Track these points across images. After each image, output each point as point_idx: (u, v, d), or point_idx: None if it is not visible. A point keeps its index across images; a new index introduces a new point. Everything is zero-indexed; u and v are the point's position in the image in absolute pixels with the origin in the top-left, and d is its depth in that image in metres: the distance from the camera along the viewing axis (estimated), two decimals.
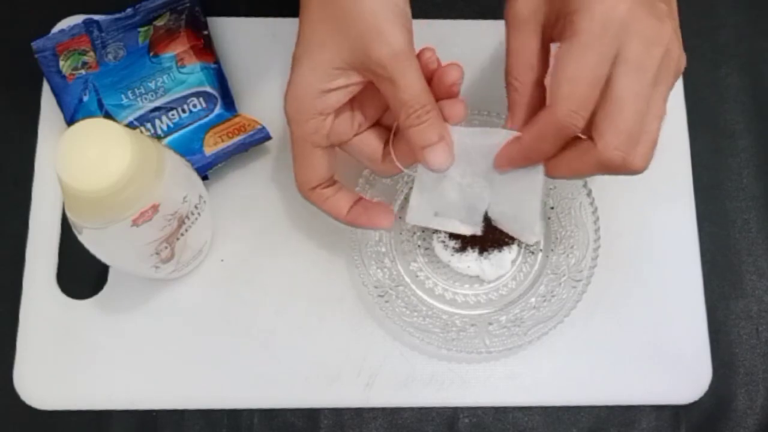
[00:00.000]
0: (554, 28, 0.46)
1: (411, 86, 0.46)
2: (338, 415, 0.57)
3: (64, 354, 0.57)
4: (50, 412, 0.56)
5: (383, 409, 0.57)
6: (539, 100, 0.46)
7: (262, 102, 0.61)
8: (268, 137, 0.59)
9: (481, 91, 0.62)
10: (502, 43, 0.64)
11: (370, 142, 0.51)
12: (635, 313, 0.59)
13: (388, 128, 0.51)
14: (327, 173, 0.51)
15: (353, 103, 0.50)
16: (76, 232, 0.48)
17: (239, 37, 0.63)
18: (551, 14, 0.46)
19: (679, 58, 0.45)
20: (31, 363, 0.57)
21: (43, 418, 0.56)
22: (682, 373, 0.58)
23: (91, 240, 0.48)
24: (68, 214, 0.47)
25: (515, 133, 0.47)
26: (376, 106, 0.51)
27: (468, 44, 0.64)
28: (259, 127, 0.59)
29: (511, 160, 0.48)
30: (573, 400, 0.58)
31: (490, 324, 0.57)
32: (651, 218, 0.60)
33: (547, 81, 0.45)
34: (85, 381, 0.56)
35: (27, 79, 0.61)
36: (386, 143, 0.51)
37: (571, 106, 0.43)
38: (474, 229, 0.52)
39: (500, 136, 0.48)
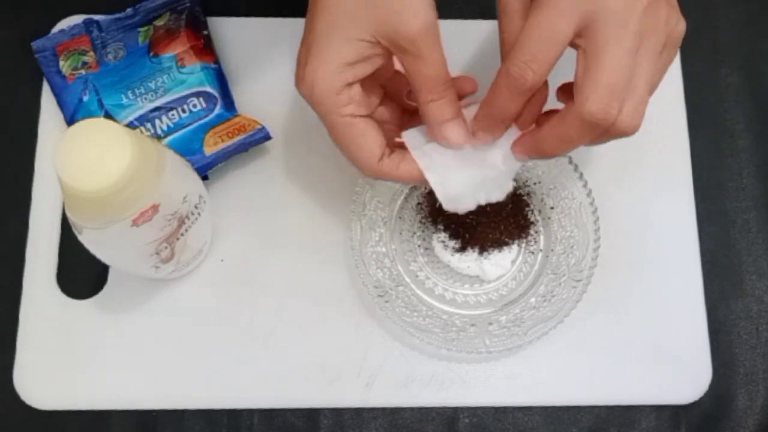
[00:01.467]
0: None
1: (436, 62, 0.46)
2: (338, 415, 0.57)
3: (64, 354, 0.57)
4: (50, 412, 0.56)
5: (383, 409, 0.57)
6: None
7: (262, 102, 0.61)
8: (268, 137, 0.59)
9: (480, 91, 0.62)
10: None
11: (390, 107, 0.51)
12: (635, 313, 0.59)
13: (382, 122, 0.51)
14: (383, 139, 0.49)
15: (365, 84, 0.49)
16: (76, 232, 0.48)
17: (239, 37, 0.63)
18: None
19: (670, 19, 0.45)
20: (31, 363, 0.57)
21: (43, 418, 0.56)
22: (682, 373, 0.58)
23: (91, 240, 0.48)
24: (68, 214, 0.47)
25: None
26: (377, 93, 0.51)
27: (468, 44, 0.64)
28: (259, 127, 0.59)
29: (479, 122, 0.48)
30: (573, 400, 0.58)
31: (490, 324, 0.57)
32: (651, 218, 0.60)
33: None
34: (85, 381, 0.56)
35: (27, 79, 0.61)
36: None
37: (521, 57, 0.43)
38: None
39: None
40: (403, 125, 0.51)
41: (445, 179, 0.49)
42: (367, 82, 0.49)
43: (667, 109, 0.63)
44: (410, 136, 0.49)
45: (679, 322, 0.59)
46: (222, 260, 0.59)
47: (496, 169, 0.49)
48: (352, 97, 0.47)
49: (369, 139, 0.48)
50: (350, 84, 0.47)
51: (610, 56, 0.43)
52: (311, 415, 0.57)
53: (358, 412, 0.57)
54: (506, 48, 0.47)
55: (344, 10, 0.46)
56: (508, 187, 0.50)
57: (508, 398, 0.57)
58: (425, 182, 0.49)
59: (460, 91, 0.49)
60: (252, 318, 0.58)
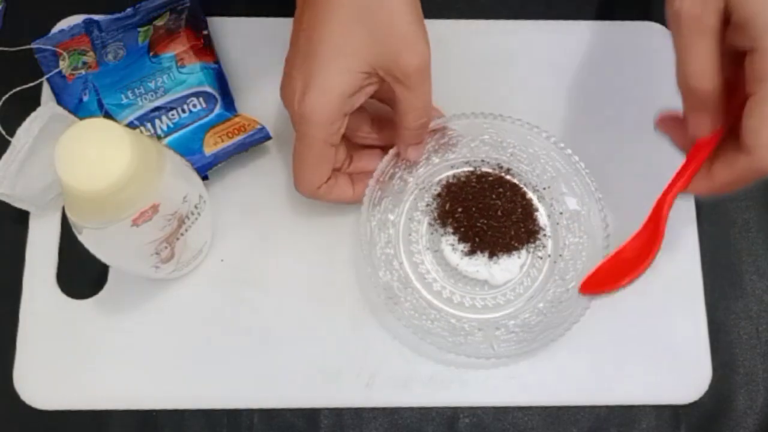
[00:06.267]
0: (724, 31, 0.45)
1: (425, 94, 0.51)
2: (338, 415, 0.57)
3: (64, 354, 0.57)
4: (50, 412, 0.56)
5: (383, 409, 0.57)
6: (723, 103, 0.47)
7: (262, 102, 0.61)
8: (268, 137, 0.59)
9: (481, 91, 0.62)
10: (501, 43, 0.64)
11: (361, 115, 0.56)
12: (635, 313, 0.59)
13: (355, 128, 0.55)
14: (331, 169, 0.54)
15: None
16: (76, 232, 0.48)
17: (239, 37, 0.63)
18: (720, 14, 0.45)
19: None
20: (31, 363, 0.57)
21: (43, 418, 0.56)
22: (682, 373, 0.58)
23: (91, 240, 0.48)
24: (68, 214, 0.47)
25: None
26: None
27: (468, 44, 0.64)
28: (259, 127, 0.59)
29: (698, 192, 0.50)
30: (573, 400, 0.57)
31: (498, 329, 0.56)
32: None
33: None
34: (85, 381, 0.56)
35: (27, 79, 0.61)
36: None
37: None
38: None
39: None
40: (372, 132, 0.56)
41: None
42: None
43: (666, 110, 0.63)
44: None
45: (679, 322, 0.59)
46: (222, 260, 0.59)
47: None
48: (339, 128, 0.51)
49: (325, 167, 0.53)
50: (347, 114, 0.51)
51: None
52: (311, 415, 0.57)
53: (358, 412, 0.57)
54: (694, 64, 0.46)
55: (348, 42, 0.49)
56: None
57: (508, 398, 0.57)
58: (354, 201, 0.56)
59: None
60: (252, 318, 0.58)
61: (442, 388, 0.57)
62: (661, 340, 0.58)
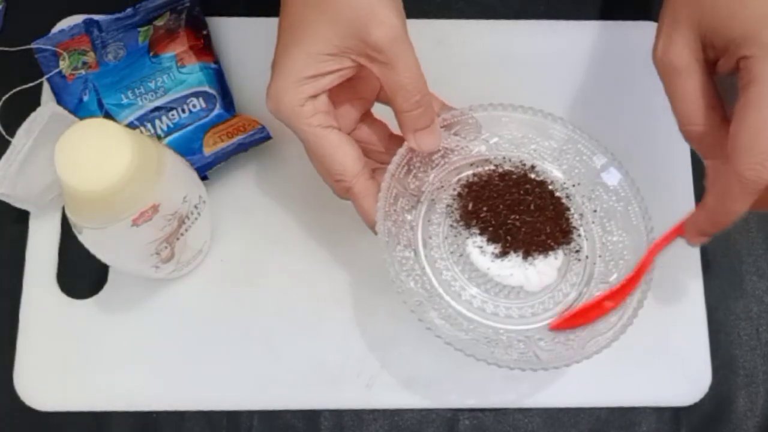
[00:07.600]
0: (716, 65, 0.45)
1: (409, 69, 0.46)
2: (338, 416, 0.57)
3: (64, 354, 0.57)
4: (50, 413, 0.56)
5: (383, 411, 0.57)
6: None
7: (262, 102, 0.61)
8: (268, 137, 0.59)
9: (480, 91, 0.62)
10: (501, 43, 0.64)
11: (376, 128, 0.52)
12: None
13: (365, 142, 0.51)
14: (359, 159, 0.49)
15: (350, 91, 0.50)
16: (76, 232, 0.48)
17: (239, 37, 0.63)
18: (710, 51, 0.44)
19: None
20: (31, 363, 0.57)
21: (43, 419, 0.56)
22: (683, 375, 0.58)
23: (91, 240, 0.48)
24: (68, 214, 0.47)
25: None
26: (357, 108, 0.51)
27: (468, 44, 0.64)
28: (259, 127, 0.59)
29: (701, 231, 0.46)
30: (573, 401, 0.57)
31: (540, 339, 0.51)
32: (651, 219, 0.60)
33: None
34: (85, 381, 0.56)
35: (27, 79, 0.61)
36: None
37: (754, 158, 0.41)
38: None
39: None
40: (390, 148, 0.51)
41: None
42: (343, 96, 0.49)
43: (667, 110, 0.63)
44: None
45: (679, 322, 0.59)
46: (222, 260, 0.59)
47: None
48: (317, 107, 0.47)
49: (341, 152, 0.48)
50: (313, 96, 0.47)
51: None
52: (311, 416, 0.57)
53: (358, 414, 0.57)
54: (686, 107, 0.45)
55: (305, 27, 0.46)
56: None
57: (508, 400, 0.57)
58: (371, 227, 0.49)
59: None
60: (252, 318, 0.58)
61: (443, 389, 0.57)
62: (661, 341, 0.58)
